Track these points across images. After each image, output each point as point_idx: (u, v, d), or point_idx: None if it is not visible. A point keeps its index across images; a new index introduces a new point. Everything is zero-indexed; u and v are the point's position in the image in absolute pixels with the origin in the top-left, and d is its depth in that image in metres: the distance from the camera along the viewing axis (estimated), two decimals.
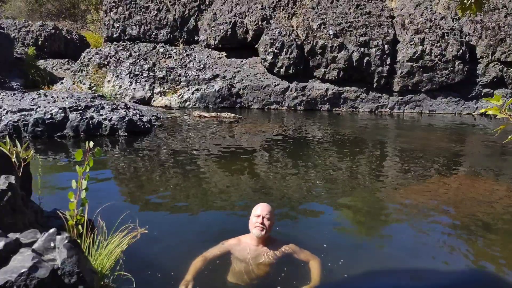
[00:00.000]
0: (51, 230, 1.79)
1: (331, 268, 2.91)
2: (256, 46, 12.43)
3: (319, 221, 3.79)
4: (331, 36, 11.84)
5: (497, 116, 1.77)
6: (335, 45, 11.78)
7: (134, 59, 12.28)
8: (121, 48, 12.89)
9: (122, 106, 8.35)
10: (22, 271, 1.57)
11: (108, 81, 11.94)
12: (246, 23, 12.45)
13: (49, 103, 7.70)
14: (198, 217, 3.79)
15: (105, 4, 13.65)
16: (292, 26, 12.39)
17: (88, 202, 2.34)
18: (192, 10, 13.15)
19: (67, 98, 8.43)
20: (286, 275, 2.71)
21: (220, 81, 11.86)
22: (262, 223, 2.81)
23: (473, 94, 12.61)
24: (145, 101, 11.47)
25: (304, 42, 11.92)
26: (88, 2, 23.57)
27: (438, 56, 12.03)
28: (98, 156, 2.34)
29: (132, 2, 13.28)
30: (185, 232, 3.42)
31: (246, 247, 2.83)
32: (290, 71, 11.83)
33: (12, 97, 8.09)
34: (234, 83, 11.87)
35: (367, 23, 12.24)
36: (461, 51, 12.08)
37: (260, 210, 2.86)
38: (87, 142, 2.33)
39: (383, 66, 11.92)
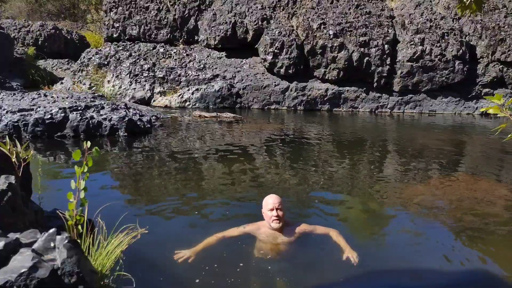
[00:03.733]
0: (51, 230, 1.78)
1: (331, 268, 2.91)
2: (256, 46, 12.42)
3: (318, 221, 3.78)
4: (331, 36, 11.84)
5: (498, 115, 1.77)
6: (335, 45, 11.78)
7: (134, 59, 12.28)
8: (121, 48, 12.88)
9: (122, 106, 8.35)
10: (22, 271, 1.57)
11: (108, 81, 11.94)
12: (246, 23, 12.45)
13: (49, 103, 7.70)
14: (199, 216, 3.78)
15: (105, 4, 13.64)
16: (292, 26, 12.39)
17: (88, 202, 2.34)
18: (192, 10, 13.15)
19: (67, 98, 8.43)
20: (303, 252, 3.04)
21: (220, 81, 11.85)
22: (278, 216, 3.02)
23: (473, 94, 12.60)
24: (145, 101, 11.47)
25: (304, 42, 11.92)
26: (88, 2, 23.56)
27: (438, 56, 12.03)
28: (96, 156, 2.34)
29: (132, 2, 13.28)
30: (185, 232, 3.42)
31: (265, 232, 3.08)
32: (290, 71, 11.83)
33: (12, 97, 8.09)
34: (234, 83, 11.87)
35: (367, 23, 12.24)
36: (461, 51, 12.07)
37: (272, 203, 3.05)
38: (84, 142, 2.33)
39: (383, 66, 11.92)
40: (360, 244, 3.42)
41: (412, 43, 12.10)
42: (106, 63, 12.41)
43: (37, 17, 22.60)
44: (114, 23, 13.42)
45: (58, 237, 1.76)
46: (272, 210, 3.03)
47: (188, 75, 11.94)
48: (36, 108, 7.11)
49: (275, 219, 3.02)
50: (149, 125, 7.83)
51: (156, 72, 11.91)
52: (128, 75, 11.83)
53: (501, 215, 4.12)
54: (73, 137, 6.83)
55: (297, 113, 11.53)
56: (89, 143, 2.30)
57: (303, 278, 2.78)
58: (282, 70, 11.84)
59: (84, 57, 12.81)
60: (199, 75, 11.96)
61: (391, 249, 3.33)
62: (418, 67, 12.02)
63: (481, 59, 12.59)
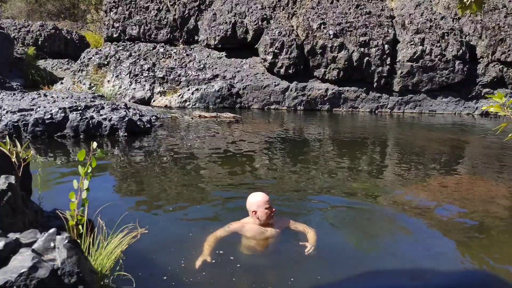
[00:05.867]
0: (51, 230, 1.78)
1: (330, 268, 2.91)
2: (256, 46, 12.42)
3: (318, 221, 3.78)
4: (331, 36, 11.84)
5: (498, 115, 1.78)
6: (335, 45, 11.78)
7: (134, 59, 12.28)
8: (121, 48, 12.88)
9: (122, 106, 8.34)
10: (22, 271, 1.57)
11: (108, 81, 11.94)
12: (246, 23, 12.45)
13: (49, 103, 7.70)
14: (199, 216, 3.79)
15: (105, 4, 13.64)
16: (292, 26, 12.39)
17: (88, 202, 2.34)
18: (192, 10, 13.15)
19: (67, 98, 8.43)
20: (289, 244, 3.18)
21: (220, 81, 11.86)
22: (274, 210, 3.21)
23: (473, 94, 12.60)
24: (145, 101, 11.47)
25: (304, 42, 11.92)
26: (88, 2, 23.56)
27: (438, 56, 12.03)
28: (100, 157, 2.35)
29: (132, 2, 13.28)
30: (186, 232, 3.41)
31: (253, 228, 3.18)
32: (290, 71, 11.83)
33: (12, 97, 8.10)
34: (234, 83, 11.87)
35: (367, 23, 12.23)
36: (461, 51, 12.07)
37: (268, 200, 3.19)
38: (91, 142, 2.35)
39: (383, 66, 11.92)
40: (360, 243, 3.42)
41: (412, 43, 12.10)
42: (106, 63, 12.41)
43: (37, 17, 22.60)
44: (114, 23, 13.42)
45: (58, 237, 1.76)
46: (269, 207, 3.16)
47: (188, 75, 11.94)
48: (36, 108, 7.11)
49: (272, 213, 3.19)
50: (149, 125, 7.83)
51: (156, 72, 11.91)
52: (128, 75, 11.83)
53: (501, 215, 4.12)
54: (73, 137, 6.83)
55: (297, 113, 11.53)
56: (95, 144, 2.33)
57: (296, 272, 2.81)
58: (282, 70, 11.84)
59: (84, 57, 12.81)
60: (199, 75, 11.96)
61: (391, 249, 3.33)
62: (418, 67, 12.02)
63: (481, 59, 12.59)
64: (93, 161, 2.30)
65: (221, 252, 2.97)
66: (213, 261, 2.83)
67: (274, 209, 3.20)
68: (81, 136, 6.87)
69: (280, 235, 3.22)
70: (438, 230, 3.71)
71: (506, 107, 1.73)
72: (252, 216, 3.19)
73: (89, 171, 2.31)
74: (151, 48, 12.89)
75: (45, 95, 8.41)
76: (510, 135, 2.01)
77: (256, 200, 3.18)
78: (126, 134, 7.17)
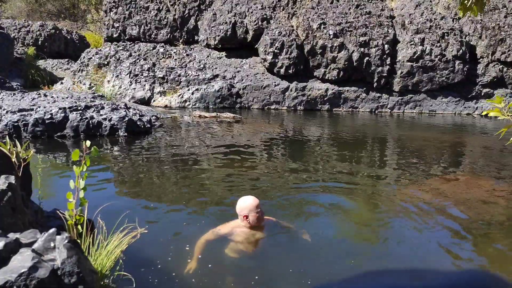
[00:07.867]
0: (51, 230, 1.78)
1: (330, 268, 2.91)
2: (256, 46, 12.42)
3: (318, 220, 3.78)
4: (331, 36, 11.83)
5: (498, 118, 1.78)
6: (335, 45, 11.78)
7: (134, 59, 12.28)
8: (121, 48, 12.88)
9: (122, 106, 8.34)
10: (22, 271, 1.57)
11: (108, 81, 11.94)
12: (246, 23, 12.45)
13: (49, 103, 7.70)
14: (198, 216, 3.79)
15: (105, 4, 13.65)
16: (292, 26, 12.39)
17: (88, 202, 2.34)
18: (192, 10, 13.15)
19: (67, 98, 8.43)
20: (278, 245, 3.26)
21: (220, 81, 11.85)
22: (263, 212, 3.25)
23: (473, 94, 12.60)
24: (145, 101, 11.47)
25: (304, 42, 11.92)
26: (88, 2, 23.57)
27: (438, 56, 12.03)
28: (95, 156, 2.34)
29: (132, 2, 13.28)
30: (185, 232, 3.42)
31: (243, 232, 3.20)
32: (290, 71, 11.83)
33: (12, 97, 8.10)
34: (234, 83, 11.87)
35: (367, 23, 12.23)
36: (461, 51, 12.07)
37: (259, 203, 3.21)
38: (84, 141, 2.33)
39: (383, 66, 11.91)
40: (360, 243, 3.43)
41: (412, 43, 12.10)
42: (106, 63, 12.41)
43: (37, 17, 22.61)
44: (114, 23, 13.42)
45: (58, 237, 1.76)
46: (259, 210, 3.18)
47: (188, 75, 11.94)
48: (36, 108, 7.11)
49: (262, 218, 3.22)
50: (149, 125, 7.83)
51: (156, 72, 11.90)
52: (128, 75, 11.83)
53: (501, 215, 4.12)
54: (73, 137, 6.83)
55: (297, 113, 11.53)
56: (88, 143, 2.31)
57: (288, 272, 2.82)
58: (282, 70, 11.83)
59: (84, 57, 12.81)
60: (199, 75, 11.95)
61: (391, 249, 3.33)
62: (418, 67, 12.02)
63: (481, 59, 12.58)
64: (87, 160, 2.30)
65: (216, 254, 2.97)
66: (209, 264, 2.83)
67: (263, 212, 3.23)
68: (81, 136, 6.86)
69: (269, 237, 3.26)
70: (438, 230, 3.71)
71: (506, 111, 1.73)
72: (243, 220, 3.19)
73: (84, 170, 2.30)
74: (151, 48, 12.89)
75: (45, 95, 8.41)
76: (511, 139, 2.01)
77: (248, 204, 3.17)
78: (126, 134, 7.17)
